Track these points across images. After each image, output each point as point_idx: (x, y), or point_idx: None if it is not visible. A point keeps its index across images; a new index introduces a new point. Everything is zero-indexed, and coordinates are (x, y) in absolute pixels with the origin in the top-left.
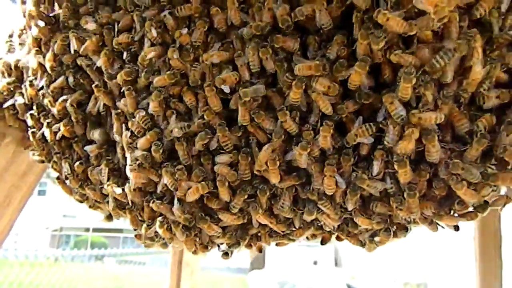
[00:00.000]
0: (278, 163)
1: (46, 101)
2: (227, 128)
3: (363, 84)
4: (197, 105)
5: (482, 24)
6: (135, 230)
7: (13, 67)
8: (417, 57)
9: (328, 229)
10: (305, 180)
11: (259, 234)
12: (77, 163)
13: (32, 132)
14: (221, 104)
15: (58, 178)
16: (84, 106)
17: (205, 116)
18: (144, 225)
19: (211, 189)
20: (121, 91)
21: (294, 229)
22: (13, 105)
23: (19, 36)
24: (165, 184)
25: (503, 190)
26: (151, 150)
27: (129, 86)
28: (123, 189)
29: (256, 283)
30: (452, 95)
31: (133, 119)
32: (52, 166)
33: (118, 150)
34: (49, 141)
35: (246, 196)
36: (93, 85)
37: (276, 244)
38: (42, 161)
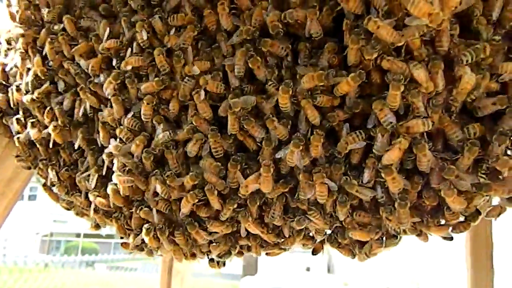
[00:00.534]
0: (272, 169)
1: (31, 106)
2: (219, 134)
3: (350, 94)
4: (185, 112)
5: (472, 32)
6: (121, 238)
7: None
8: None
9: (319, 239)
10: (295, 188)
11: (249, 245)
12: (63, 170)
13: (18, 138)
14: (211, 111)
15: (44, 184)
16: (71, 112)
17: (193, 122)
18: (132, 234)
19: (200, 197)
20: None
21: (284, 238)
22: None
23: (7, 41)
24: (155, 192)
25: (495, 199)
26: (141, 158)
27: (115, 92)
28: (107, 196)
29: None
30: (441, 103)
31: (121, 126)
32: (38, 173)
33: (105, 157)
34: (36, 145)
35: (235, 205)
36: (78, 88)
37: (267, 254)
38: (28, 167)
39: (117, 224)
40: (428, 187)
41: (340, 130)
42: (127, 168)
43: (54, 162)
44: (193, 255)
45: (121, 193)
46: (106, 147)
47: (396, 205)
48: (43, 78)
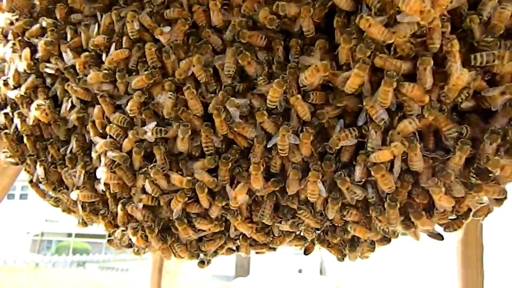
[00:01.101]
0: (261, 168)
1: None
2: (212, 130)
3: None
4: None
5: (464, 31)
6: (109, 236)
7: None
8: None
9: (310, 238)
10: (285, 187)
11: (238, 245)
12: (51, 166)
13: (5, 133)
14: (202, 107)
15: (31, 181)
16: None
17: (182, 117)
18: (119, 231)
19: (189, 196)
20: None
21: (273, 238)
22: None
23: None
24: (141, 188)
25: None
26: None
27: (102, 93)
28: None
29: None
30: (439, 105)
31: (110, 124)
32: (25, 169)
33: (93, 153)
34: (23, 141)
35: (224, 203)
36: (65, 85)
37: (256, 253)
38: (16, 163)
39: (104, 221)
40: (418, 186)
41: (330, 127)
42: (115, 163)
43: (42, 158)
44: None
45: (110, 190)
46: (94, 144)
47: (385, 205)
48: (29, 72)
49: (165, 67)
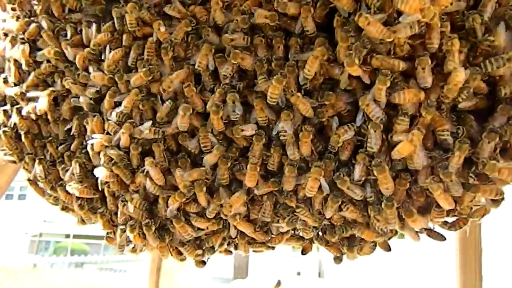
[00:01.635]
0: (258, 168)
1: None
2: (210, 130)
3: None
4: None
5: (465, 32)
6: (108, 234)
7: None
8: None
9: (307, 238)
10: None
11: (236, 243)
12: (50, 164)
13: (4, 131)
14: (203, 104)
15: (29, 179)
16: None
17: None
18: (118, 230)
19: (188, 196)
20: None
21: (271, 236)
22: None
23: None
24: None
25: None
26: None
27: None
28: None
29: None
30: (435, 104)
31: (109, 121)
32: (23, 167)
33: (89, 150)
34: (22, 139)
35: (222, 201)
36: (63, 80)
37: (254, 251)
38: (14, 161)
39: (102, 220)
40: (417, 185)
41: (329, 126)
42: (113, 161)
43: (41, 156)
44: (180, 253)
45: (110, 188)
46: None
47: (383, 205)
48: (27, 69)
49: (164, 64)
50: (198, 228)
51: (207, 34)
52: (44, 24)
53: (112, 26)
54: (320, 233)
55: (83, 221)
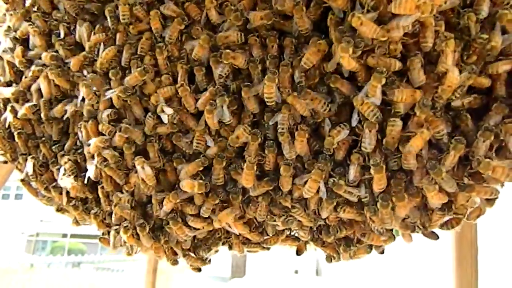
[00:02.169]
0: (255, 167)
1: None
2: (207, 130)
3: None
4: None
5: (459, 31)
6: (102, 235)
7: None
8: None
9: (303, 239)
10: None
11: (231, 242)
12: (43, 165)
13: None
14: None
15: (22, 180)
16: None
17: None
18: (112, 231)
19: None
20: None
21: (267, 237)
22: None
23: None
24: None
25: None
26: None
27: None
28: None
29: None
30: (430, 104)
31: (103, 122)
32: (16, 167)
33: (86, 152)
34: (15, 139)
35: (217, 201)
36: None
37: (248, 251)
38: (5, 162)
39: (96, 221)
40: (412, 185)
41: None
42: (106, 162)
43: (34, 156)
44: (175, 253)
45: (104, 188)
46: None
47: (378, 205)
48: (21, 69)
49: (158, 63)
50: (194, 228)
51: (198, 33)
52: (37, 23)
53: (106, 25)
54: (316, 234)
55: (77, 222)
